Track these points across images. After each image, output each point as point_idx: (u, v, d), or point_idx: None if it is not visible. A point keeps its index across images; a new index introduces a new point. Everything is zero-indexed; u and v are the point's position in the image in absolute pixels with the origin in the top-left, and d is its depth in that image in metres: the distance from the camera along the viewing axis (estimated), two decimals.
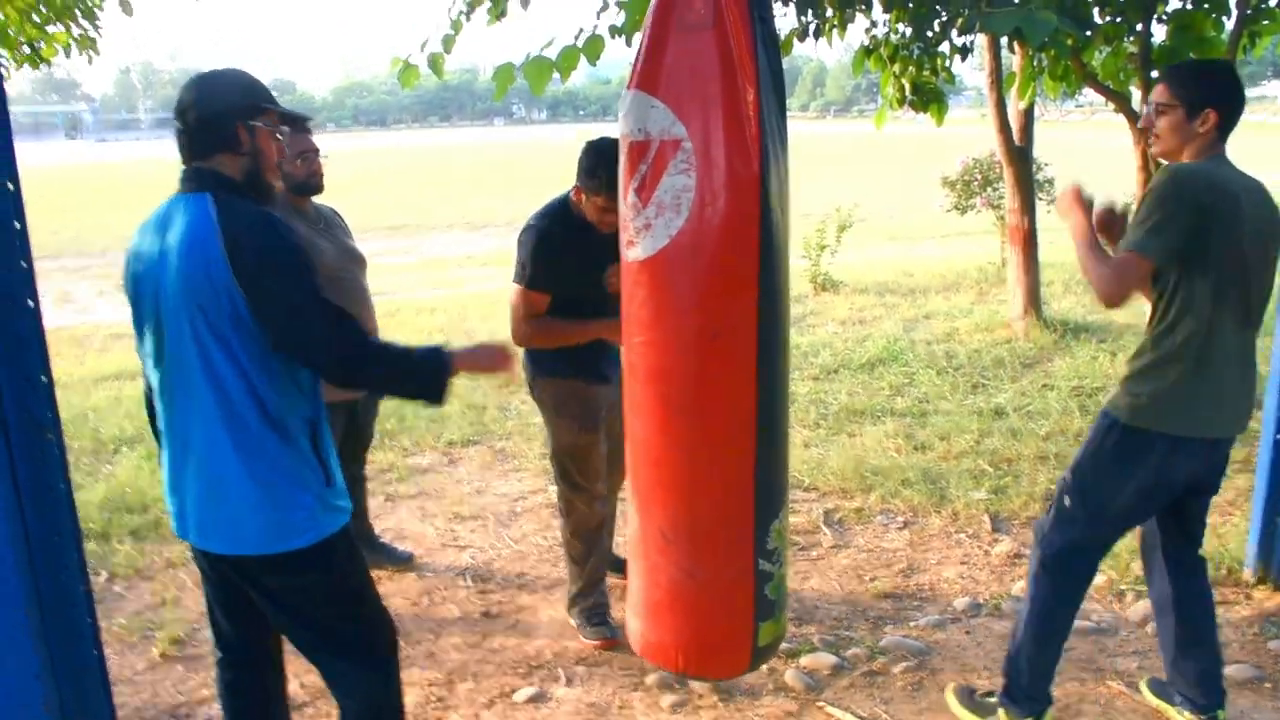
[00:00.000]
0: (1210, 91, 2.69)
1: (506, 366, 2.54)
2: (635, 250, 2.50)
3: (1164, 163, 2.77)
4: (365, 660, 2.47)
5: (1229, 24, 6.07)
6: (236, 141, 2.23)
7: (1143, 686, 3.21)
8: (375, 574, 4.06)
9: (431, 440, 5.87)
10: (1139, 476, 2.77)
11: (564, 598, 3.86)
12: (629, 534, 2.75)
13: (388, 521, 4.76)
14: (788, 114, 2.53)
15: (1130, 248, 2.59)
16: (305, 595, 2.36)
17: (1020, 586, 3.91)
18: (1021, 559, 4.19)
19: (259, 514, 2.23)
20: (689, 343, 2.46)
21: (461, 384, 6.97)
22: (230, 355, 2.15)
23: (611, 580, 3.85)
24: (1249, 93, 6.35)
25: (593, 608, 3.70)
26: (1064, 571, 2.93)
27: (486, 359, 2.53)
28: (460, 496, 5.07)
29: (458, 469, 5.50)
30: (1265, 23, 6.26)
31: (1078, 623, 3.60)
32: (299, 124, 2.43)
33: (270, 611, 2.41)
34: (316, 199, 3.81)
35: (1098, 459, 2.82)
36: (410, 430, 6.01)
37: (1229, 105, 2.70)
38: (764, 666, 3.35)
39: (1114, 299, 2.62)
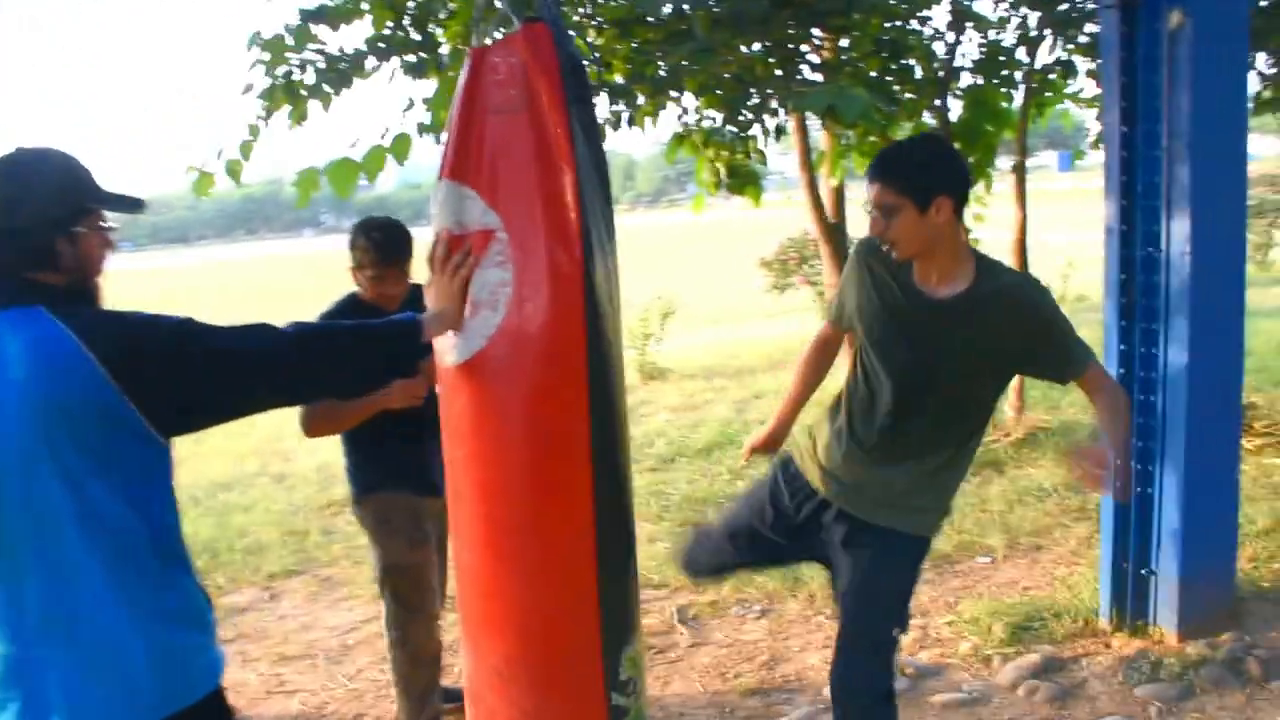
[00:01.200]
0: (935, 176, 2.45)
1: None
2: (451, 354, 2.26)
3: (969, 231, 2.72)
4: None
5: (1018, 97, 6.39)
6: (56, 258, 1.82)
7: None
8: None
9: (249, 574, 5.38)
10: None
11: None
12: (464, 671, 2.47)
13: None
14: None
15: (1092, 358, 2.56)
16: None
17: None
18: None
19: (161, 669, 1.83)
20: (515, 453, 2.23)
21: (279, 508, 6.52)
22: (121, 485, 1.78)
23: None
24: (1029, 162, 6.69)
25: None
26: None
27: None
28: (284, 634, 4.62)
29: (280, 604, 5.04)
30: (1048, 95, 6.63)
31: (951, 695, 3.53)
32: (136, 209, 2.06)
33: None
34: None
35: (911, 580, 2.76)
36: (224, 565, 5.51)
37: (961, 183, 2.50)
38: None
39: None
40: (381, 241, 3.20)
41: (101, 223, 1.94)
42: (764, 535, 2.93)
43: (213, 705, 1.95)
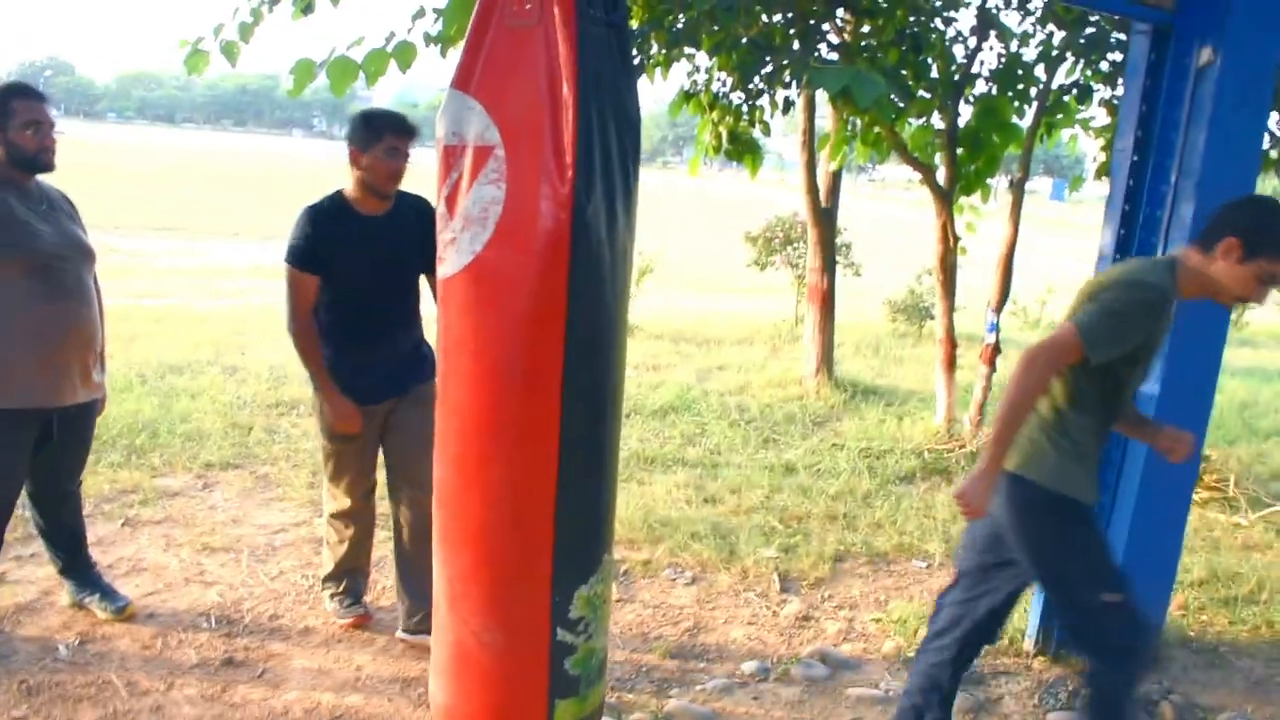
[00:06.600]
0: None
1: None
2: (443, 266, 2.26)
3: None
4: None
5: (1029, 114, 6.35)
6: None
7: None
8: (90, 616, 3.59)
9: (186, 460, 5.30)
10: None
11: (319, 644, 3.58)
12: (434, 581, 2.48)
13: (124, 550, 4.21)
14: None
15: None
16: None
17: (810, 651, 3.78)
18: (810, 620, 4.08)
19: None
20: (490, 376, 2.21)
21: (226, 400, 6.43)
22: None
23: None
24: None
25: (343, 591, 3.75)
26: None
27: None
28: (212, 525, 4.55)
29: (212, 494, 4.97)
30: (1060, 116, 6.59)
31: (867, 691, 3.54)
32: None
33: None
34: (46, 179, 3.33)
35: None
36: (162, 447, 5.42)
37: None
38: None
39: None
40: (397, 116, 3.39)
41: None
42: None
43: None
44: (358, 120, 3.34)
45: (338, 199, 3.40)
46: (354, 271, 3.35)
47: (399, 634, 3.60)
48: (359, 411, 3.46)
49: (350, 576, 3.76)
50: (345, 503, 3.63)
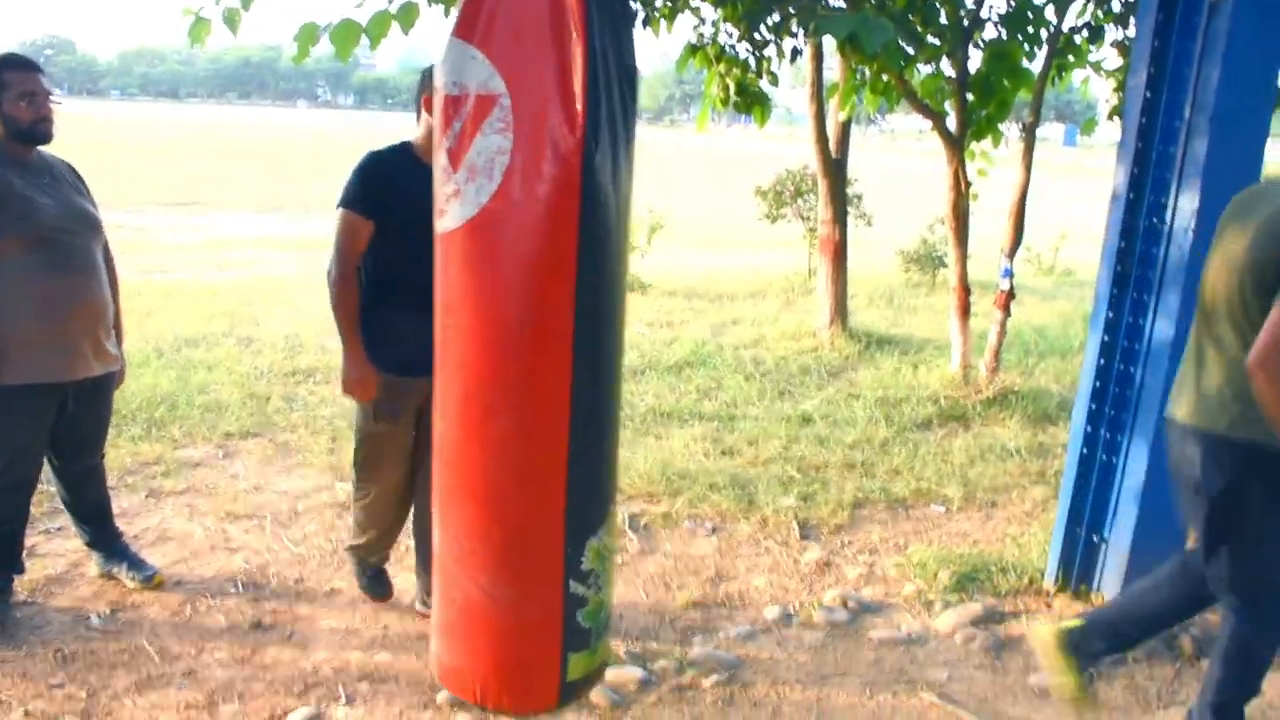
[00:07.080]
0: None
1: None
2: (444, 220, 2.22)
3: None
4: None
5: (1039, 57, 6.29)
6: None
7: None
8: (120, 585, 3.64)
9: (205, 431, 5.33)
10: None
11: (345, 605, 3.62)
12: (434, 541, 2.46)
13: (149, 520, 4.26)
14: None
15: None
16: None
17: (832, 596, 3.81)
18: (830, 566, 4.10)
19: None
20: (496, 330, 2.19)
21: (243, 370, 6.46)
22: None
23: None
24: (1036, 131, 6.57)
25: (373, 562, 3.63)
26: None
27: None
28: (235, 494, 4.59)
29: (234, 463, 5.00)
30: (1071, 59, 6.52)
31: (889, 634, 3.56)
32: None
33: None
34: (50, 150, 3.34)
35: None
36: (182, 419, 5.45)
37: None
38: None
39: None
40: None
41: None
42: None
43: None
44: (433, 69, 3.18)
45: (403, 148, 3.24)
46: (414, 223, 2.99)
47: (417, 606, 3.57)
48: (385, 381, 3.29)
49: (378, 553, 3.62)
50: (379, 496, 3.45)
